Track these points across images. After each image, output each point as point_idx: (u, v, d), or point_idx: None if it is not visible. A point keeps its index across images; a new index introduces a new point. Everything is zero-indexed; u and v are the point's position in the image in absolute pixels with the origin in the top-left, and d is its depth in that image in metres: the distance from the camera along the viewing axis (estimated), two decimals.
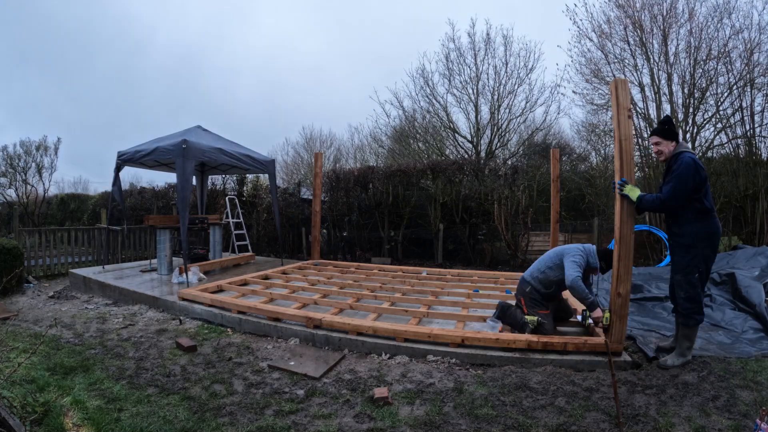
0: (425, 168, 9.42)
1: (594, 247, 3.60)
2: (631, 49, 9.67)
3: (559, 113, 13.66)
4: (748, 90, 8.32)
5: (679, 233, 3.11)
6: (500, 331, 3.58)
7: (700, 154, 9.18)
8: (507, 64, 12.83)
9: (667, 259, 7.72)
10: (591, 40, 10.23)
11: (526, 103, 13.06)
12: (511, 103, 13.07)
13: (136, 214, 11.70)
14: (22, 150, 15.58)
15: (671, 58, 9.17)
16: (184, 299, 4.78)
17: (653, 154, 4.20)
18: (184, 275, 5.60)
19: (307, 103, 36.00)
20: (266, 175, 7.89)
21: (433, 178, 9.21)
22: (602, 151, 12.53)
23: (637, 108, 9.60)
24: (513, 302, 3.93)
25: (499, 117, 13.18)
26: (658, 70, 9.38)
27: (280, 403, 2.64)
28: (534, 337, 3.30)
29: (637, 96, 9.65)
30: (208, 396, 2.73)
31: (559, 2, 10.64)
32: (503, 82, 12.93)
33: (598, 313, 3.34)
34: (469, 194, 8.78)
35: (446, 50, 13.32)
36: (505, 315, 3.76)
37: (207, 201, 9.29)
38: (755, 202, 7.75)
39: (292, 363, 3.26)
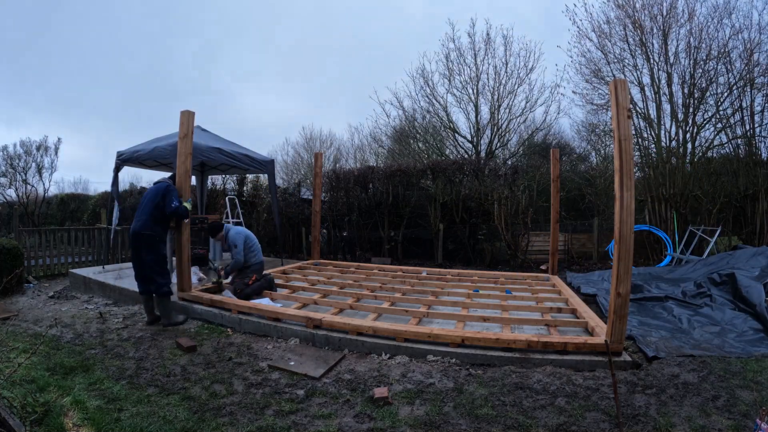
0: (425, 168, 9.42)
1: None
2: (630, 49, 9.68)
3: (559, 113, 13.68)
4: (748, 90, 8.33)
5: None
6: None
7: (700, 154, 9.19)
8: (507, 64, 12.84)
9: (667, 259, 7.72)
10: (591, 40, 10.27)
11: (526, 103, 13.08)
12: (511, 103, 13.09)
13: None
14: (22, 150, 15.60)
15: (671, 58, 9.19)
16: (184, 299, 4.78)
17: None
18: None
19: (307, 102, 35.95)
20: (266, 175, 7.89)
21: (433, 178, 9.21)
22: (602, 151, 12.57)
23: (637, 108, 9.61)
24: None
25: (499, 117, 13.18)
26: (658, 70, 9.39)
27: (280, 403, 2.64)
28: (534, 337, 3.30)
29: (637, 96, 9.67)
30: (208, 396, 2.73)
31: (559, 2, 10.64)
32: (503, 82, 12.94)
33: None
34: (469, 194, 8.78)
35: (446, 50, 13.33)
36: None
37: (207, 201, 9.29)
38: (755, 202, 7.76)
39: (292, 363, 3.26)
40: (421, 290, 5.20)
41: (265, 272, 5.43)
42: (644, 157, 9.55)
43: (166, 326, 4.24)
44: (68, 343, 3.74)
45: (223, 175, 11.09)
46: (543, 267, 7.71)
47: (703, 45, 8.71)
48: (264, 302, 4.51)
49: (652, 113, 9.58)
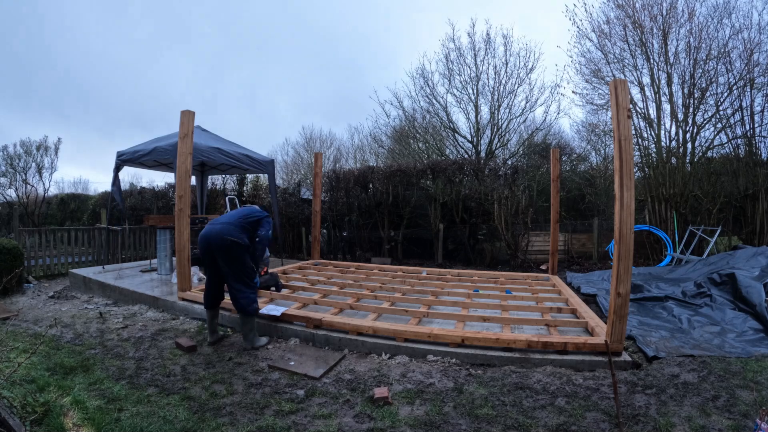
0: (425, 168, 9.42)
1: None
2: (630, 49, 9.67)
3: (559, 113, 13.68)
4: (748, 90, 8.32)
5: None
6: None
7: (700, 154, 9.19)
8: (507, 64, 12.83)
9: (667, 259, 7.73)
10: (590, 40, 10.25)
11: (526, 103, 13.06)
12: (511, 103, 13.07)
13: (136, 214, 11.69)
14: (22, 150, 15.59)
15: (671, 58, 9.17)
16: (184, 299, 4.78)
17: None
18: None
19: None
20: (266, 175, 7.90)
21: (433, 178, 9.21)
22: (602, 151, 12.56)
23: (637, 108, 9.60)
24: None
25: (499, 117, 13.17)
26: (658, 70, 9.38)
27: (280, 403, 2.64)
28: (534, 337, 3.30)
29: (637, 96, 9.66)
30: (208, 396, 2.73)
31: (558, 2, 10.64)
32: (503, 82, 12.92)
33: None
34: (469, 194, 8.78)
35: (446, 50, 13.31)
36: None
37: (207, 201, 9.29)
38: (755, 202, 7.76)
39: (292, 363, 3.26)
40: (421, 290, 5.20)
41: (270, 271, 5.43)
42: (644, 157, 9.54)
43: (247, 349, 3.64)
44: (68, 343, 3.74)
45: (223, 175, 11.09)
46: (543, 267, 7.71)
47: (703, 45, 8.69)
48: (271, 308, 4.51)
49: (652, 113, 9.58)
